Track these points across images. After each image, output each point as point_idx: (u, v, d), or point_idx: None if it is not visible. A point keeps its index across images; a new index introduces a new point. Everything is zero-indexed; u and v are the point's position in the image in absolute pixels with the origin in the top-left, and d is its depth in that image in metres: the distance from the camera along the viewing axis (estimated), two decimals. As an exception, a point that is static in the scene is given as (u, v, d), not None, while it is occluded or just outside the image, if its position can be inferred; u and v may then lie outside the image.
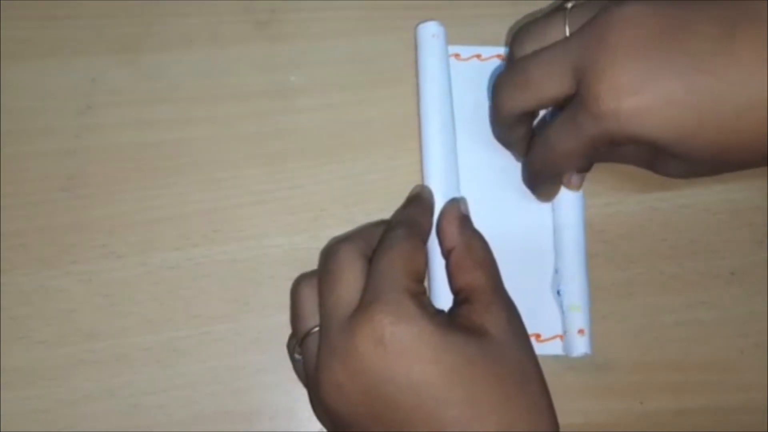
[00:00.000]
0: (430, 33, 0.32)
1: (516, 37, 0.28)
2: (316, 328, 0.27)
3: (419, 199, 0.30)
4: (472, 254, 0.28)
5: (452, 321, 0.25)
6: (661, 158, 0.27)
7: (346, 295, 0.25)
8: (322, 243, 0.32)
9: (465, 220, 0.29)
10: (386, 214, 0.32)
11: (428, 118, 0.31)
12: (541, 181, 0.30)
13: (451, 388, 0.23)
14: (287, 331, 0.31)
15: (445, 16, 0.32)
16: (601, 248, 0.32)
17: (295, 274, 0.31)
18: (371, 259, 0.27)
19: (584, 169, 0.29)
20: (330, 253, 0.27)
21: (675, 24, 0.24)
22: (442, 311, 0.26)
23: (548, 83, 0.26)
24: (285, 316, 0.31)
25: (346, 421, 0.25)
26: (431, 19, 0.32)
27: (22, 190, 0.31)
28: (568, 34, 0.26)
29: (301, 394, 0.30)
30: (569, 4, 0.27)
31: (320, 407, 0.26)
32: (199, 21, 0.33)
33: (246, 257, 0.31)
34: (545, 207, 0.31)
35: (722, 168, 0.26)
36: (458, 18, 0.33)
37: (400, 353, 0.24)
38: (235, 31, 0.33)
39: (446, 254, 0.28)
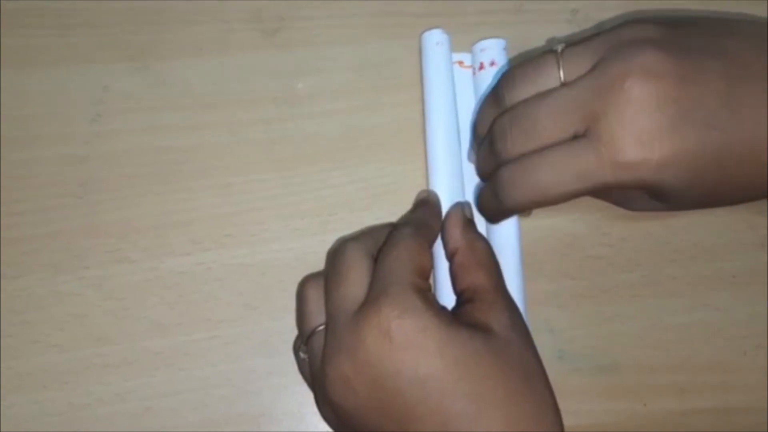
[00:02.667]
0: (435, 41, 0.32)
1: (506, 78, 0.28)
2: (322, 327, 0.27)
3: (427, 203, 0.30)
4: (475, 256, 0.28)
5: (456, 318, 0.26)
6: (645, 199, 0.27)
7: (353, 291, 0.26)
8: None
9: (468, 224, 0.29)
10: (394, 218, 0.32)
11: (433, 125, 0.32)
12: (509, 216, 0.30)
13: (457, 381, 0.24)
14: (296, 334, 0.31)
15: (449, 24, 0.33)
16: (605, 251, 0.33)
17: (305, 278, 0.32)
18: (377, 257, 0.27)
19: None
20: (337, 252, 0.28)
21: (688, 76, 0.24)
22: (446, 308, 0.27)
23: (557, 128, 0.26)
24: (294, 320, 0.31)
25: (352, 417, 0.25)
26: (436, 27, 0.33)
27: (35, 196, 0.31)
28: (563, 77, 0.26)
29: (310, 396, 0.31)
30: (559, 47, 0.27)
31: (326, 404, 0.26)
32: (209, 29, 0.33)
33: (256, 261, 0.32)
34: None
35: (698, 207, 0.27)
36: (463, 26, 0.33)
37: (406, 346, 0.24)
38: (245, 39, 0.33)
39: (449, 256, 0.29)
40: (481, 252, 0.28)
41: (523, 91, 0.27)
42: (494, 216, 0.30)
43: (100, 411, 0.30)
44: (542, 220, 0.33)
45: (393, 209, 0.32)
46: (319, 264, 0.32)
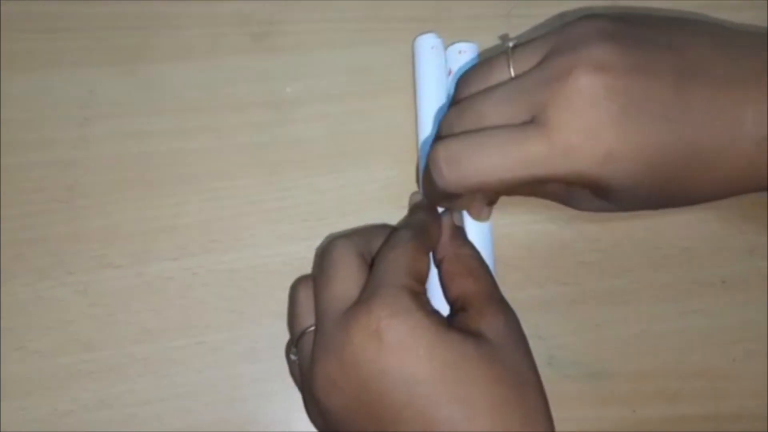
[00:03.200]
0: (429, 45, 0.32)
1: (460, 80, 0.28)
2: (312, 328, 0.27)
3: (425, 207, 0.30)
4: (462, 263, 0.28)
5: (448, 323, 0.25)
6: (588, 197, 0.26)
7: (342, 290, 0.26)
8: (319, 253, 0.32)
9: (457, 231, 0.29)
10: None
11: (426, 130, 0.31)
12: (447, 202, 0.29)
13: (444, 385, 0.23)
14: (284, 340, 0.31)
15: (441, 29, 0.33)
16: (595, 257, 0.33)
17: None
18: (374, 258, 0.27)
19: (495, 201, 0.29)
20: (326, 250, 0.27)
21: (638, 68, 0.24)
22: (439, 312, 0.26)
23: (503, 117, 0.25)
24: (282, 326, 0.31)
25: (338, 418, 0.25)
26: (428, 31, 0.32)
27: (20, 201, 0.31)
28: (513, 73, 0.26)
29: (297, 403, 0.30)
30: (510, 44, 0.26)
31: (313, 404, 0.26)
32: (197, 33, 0.33)
33: (243, 267, 0.31)
34: None
35: (644, 208, 0.26)
36: (455, 30, 0.33)
37: (395, 347, 0.23)
38: (233, 43, 0.33)
39: (437, 264, 0.29)
40: (467, 258, 0.28)
41: (475, 89, 0.27)
42: (433, 197, 0.29)
43: (84, 417, 0.30)
44: (532, 225, 0.32)
45: (382, 215, 0.32)
46: (307, 269, 0.32)
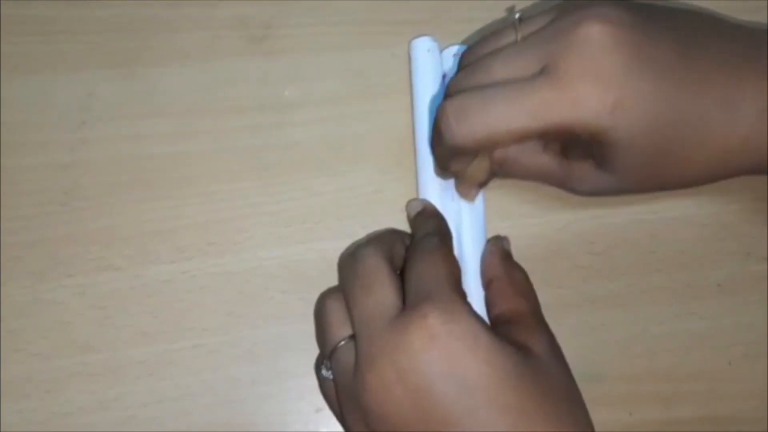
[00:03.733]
0: (425, 48, 0.32)
1: (465, 51, 0.28)
2: (344, 341, 0.26)
3: (436, 214, 0.30)
4: (513, 284, 0.28)
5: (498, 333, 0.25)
6: (587, 171, 0.27)
7: (385, 296, 0.25)
8: (317, 255, 0.32)
9: (507, 255, 0.30)
10: (381, 227, 0.32)
11: (423, 134, 0.32)
12: (457, 162, 0.28)
13: (503, 394, 0.23)
14: (281, 342, 0.31)
15: (437, 32, 0.33)
16: (590, 260, 0.33)
17: (290, 287, 0.31)
18: (406, 265, 0.27)
19: (486, 181, 0.30)
20: (356, 258, 0.27)
21: (645, 29, 0.24)
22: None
23: (512, 70, 0.25)
24: (279, 328, 0.31)
25: (392, 426, 0.23)
26: (424, 34, 0.33)
27: (19, 204, 0.31)
28: (519, 38, 0.26)
29: (295, 405, 0.31)
30: (517, 15, 0.27)
31: (361, 415, 0.24)
32: (194, 36, 0.33)
33: (240, 269, 0.31)
34: None
35: (635, 186, 0.27)
36: (451, 33, 0.33)
37: (457, 351, 0.23)
38: (231, 46, 0.33)
39: (486, 283, 0.29)
40: (519, 281, 0.28)
41: (482, 55, 0.27)
42: (441, 158, 0.29)
43: (82, 420, 0.30)
44: (527, 229, 0.33)
45: (379, 217, 0.32)
46: (304, 272, 0.32)
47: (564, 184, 0.29)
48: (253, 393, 0.31)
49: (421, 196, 0.31)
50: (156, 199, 0.32)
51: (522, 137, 0.25)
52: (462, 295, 0.25)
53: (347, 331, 0.26)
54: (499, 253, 0.29)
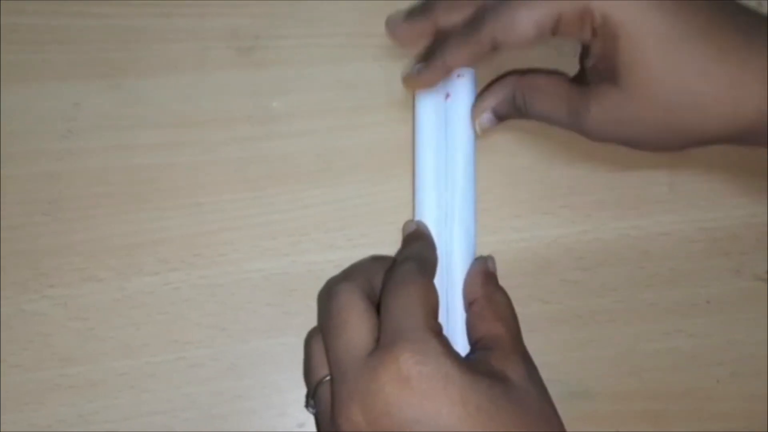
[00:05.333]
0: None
1: None
2: (324, 379, 0.26)
3: (422, 236, 0.29)
4: (494, 307, 0.28)
5: (472, 365, 0.25)
6: (603, 94, 0.26)
7: (357, 336, 0.25)
8: (303, 268, 0.32)
9: (490, 276, 0.29)
10: (368, 240, 0.32)
11: (423, 155, 0.30)
12: (446, 54, 0.28)
13: (480, 430, 0.23)
14: (265, 356, 0.31)
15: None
16: (579, 275, 0.32)
17: (275, 300, 0.31)
18: (381, 296, 0.26)
19: (501, 116, 0.29)
20: (330, 295, 0.26)
21: None
22: (459, 354, 0.25)
23: None
24: (263, 342, 0.31)
25: None
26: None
27: (3, 213, 0.31)
28: None
29: (279, 421, 0.30)
30: None
31: None
32: (183, 47, 0.33)
33: (225, 282, 0.31)
34: None
35: (652, 126, 0.26)
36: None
37: (428, 393, 0.23)
38: (220, 58, 0.33)
39: (468, 305, 0.28)
40: (500, 305, 0.28)
41: None
42: (435, 69, 0.28)
43: (61, 434, 0.30)
44: (516, 243, 0.32)
45: (367, 230, 0.32)
46: (290, 285, 0.31)
47: (580, 117, 0.27)
48: (236, 408, 0.30)
49: (418, 218, 0.30)
50: (141, 210, 0.32)
51: (533, 29, 0.25)
52: (435, 331, 0.24)
53: (326, 369, 0.26)
54: (482, 275, 0.29)
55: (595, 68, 0.27)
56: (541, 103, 0.28)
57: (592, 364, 0.32)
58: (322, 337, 0.26)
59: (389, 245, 0.32)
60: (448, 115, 0.31)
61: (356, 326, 0.25)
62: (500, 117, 0.30)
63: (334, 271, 0.32)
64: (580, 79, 0.28)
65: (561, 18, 0.25)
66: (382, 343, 0.24)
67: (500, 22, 0.26)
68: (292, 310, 0.31)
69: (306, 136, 0.33)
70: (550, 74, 0.29)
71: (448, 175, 0.30)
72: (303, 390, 0.30)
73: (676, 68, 0.25)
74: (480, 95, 0.30)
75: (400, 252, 0.30)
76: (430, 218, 0.30)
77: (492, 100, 0.29)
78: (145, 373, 0.30)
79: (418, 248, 0.29)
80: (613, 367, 0.32)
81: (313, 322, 0.31)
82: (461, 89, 0.30)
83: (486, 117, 0.30)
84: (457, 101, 0.30)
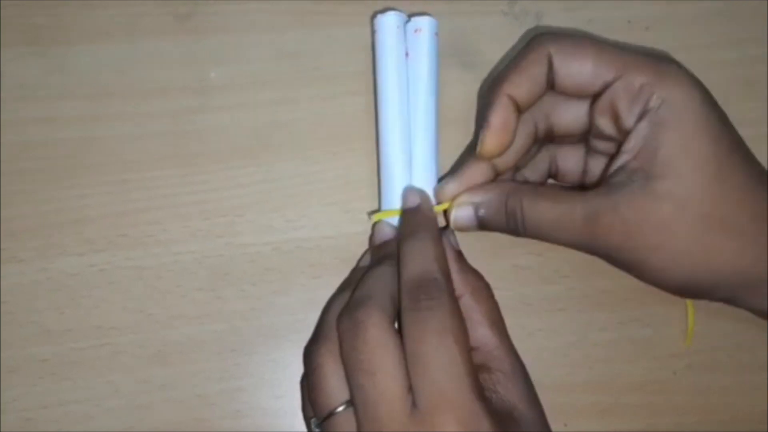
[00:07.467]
0: (394, 25, 0.29)
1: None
2: (343, 407, 0.24)
3: (428, 223, 0.27)
4: (480, 306, 0.26)
5: (490, 404, 0.24)
6: (627, 195, 0.25)
7: (393, 385, 0.23)
8: (238, 251, 0.30)
9: (462, 262, 0.28)
10: (307, 221, 0.30)
11: (388, 116, 0.29)
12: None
13: None
14: (193, 344, 0.29)
15: (381, 8, 0.30)
16: (530, 261, 0.31)
17: (206, 284, 0.29)
18: (402, 329, 0.24)
19: (485, 222, 0.28)
20: (357, 324, 0.24)
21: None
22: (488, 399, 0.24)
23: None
24: (192, 328, 0.29)
25: None
26: (359, 13, 0.30)
27: None
28: None
29: (207, 411, 0.29)
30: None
31: None
32: (116, 12, 0.31)
33: (152, 264, 0.29)
34: None
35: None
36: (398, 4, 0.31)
37: None
38: (154, 24, 0.31)
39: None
40: (485, 301, 0.27)
41: None
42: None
43: (-24, 422, 0.28)
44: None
45: (306, 211, 0.30)
46: (222, 268, 0.30)
47: (597, 226, 0.26)
48: (161, 397, 0.29)
49: (384, 183, 0.29)
50: (65, 187, 0.30)
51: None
52: (481, 396, 0.23)
53: (344, 395, 0.24)
54: (455, 264, 0.27)
55: (624, 168, 0.25)
56: (544, 210, 0.26)
57: (540, 354, 0.30)
58: (344, 365, 0.24)
59: (330, 227, 0.30)
60: (409, 72, 0.29)
61: (392, 375, 0.23)
62: (483, 223, 0.27)
63: (271, 254, 0.30)
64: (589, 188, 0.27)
65: (617, 83, 0.25)
66: (423, 404, 0.22)
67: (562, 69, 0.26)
68: (224, 295, 0.29)
69: (244, 110, 0.31)
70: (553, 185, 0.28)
71: (411, 133, 0.29)
72: (235, 380, 0.29)
73: (720, 182, 0.24)
74: (466, 189, 0.28)
75: (406, 241, 0.26)
76: (397, 181, 0.28)
77: (478, 197, 0.27)
78: (68, 360, 0.29)
79: (434, 254, 0.25)
80: (562, 357, 0.30)
81: (246, 306, 0.30)
82: (420, 45, 0.29)
83: (465, 212, 0.27)
84: (416, 59, 0.29)
